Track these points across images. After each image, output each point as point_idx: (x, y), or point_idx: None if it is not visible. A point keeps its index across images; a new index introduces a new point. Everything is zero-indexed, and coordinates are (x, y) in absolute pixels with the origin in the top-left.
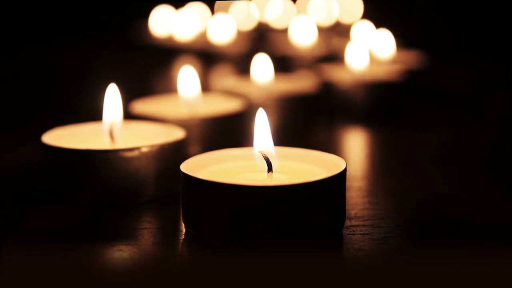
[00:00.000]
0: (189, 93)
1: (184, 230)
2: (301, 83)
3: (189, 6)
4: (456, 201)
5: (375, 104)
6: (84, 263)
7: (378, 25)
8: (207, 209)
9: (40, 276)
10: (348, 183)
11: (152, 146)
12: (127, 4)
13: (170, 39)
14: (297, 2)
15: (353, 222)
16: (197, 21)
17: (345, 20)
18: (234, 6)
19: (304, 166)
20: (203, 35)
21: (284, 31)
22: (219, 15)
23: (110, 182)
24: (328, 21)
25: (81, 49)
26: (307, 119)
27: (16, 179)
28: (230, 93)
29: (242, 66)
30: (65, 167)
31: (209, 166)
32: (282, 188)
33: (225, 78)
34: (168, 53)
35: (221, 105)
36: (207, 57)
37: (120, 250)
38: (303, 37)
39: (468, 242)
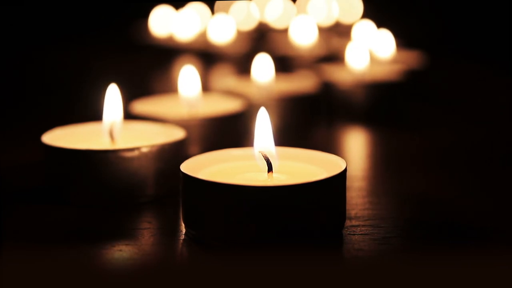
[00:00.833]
0: (189, 93)
1: (184, 230)
2: (301, 83)
3: (189, 6)
4: (456, 201)
5: (375, 104)
6: (84, 263)
7: (378, 25)
8: (207, 209)
9: (40, 276)
10: (348, 183)
11: (152, 146)
12: (127, 4)
13: (170, 39)
14: (297, 2)
15: (353, 222)
16: (197, 21)
17: (345, 20)
18: (234, 6)
19: (304, 166)
20: (203, 35)
21: (284, 31)
22: (219, 15)
23: (110, 182)
24: (328, 21)
25: (81, 49)
26: (307, 119)
27: (16, 179)
28: (230, 93)
29: (242, 66)
30: (65, 167)
31: (209, 166)
32: (282, 188)
33: (225, 78)
34: (168, 53)
35: (221, 105)
36: (207, 57)
37: (120, 250)
38: (303, 37)
39: (468, 242)
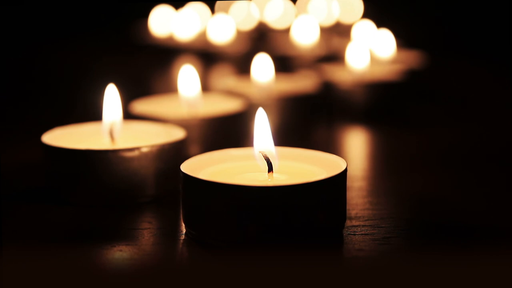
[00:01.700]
0: (189, 93)
1: (184, 230)
2: (301, 83)
3: (189, 6)
4: (457, 201)
5: (375, 104)
6: (84, 263)
7: (378, 25)
8: (207, 209)
9: (40, 276)
10: (348, 183)
11: (152, 146)
12: (127, 4)
13: (170, 39)
14: (297, 2)
15: (354, 223)
16: (197, 21)
17: (345, 20)
18: (234, 6)
19: (304, 166)
20: (203, 35)
21: (285, 31)
22: (219, 15)
23: (110, 182)
24: (328, 21)
25: (81, 49)
26: (307, 119)
27: (16, 179)
28: (230, 93)
29: (242, 66)
30: (65, 167)
31: (209, 166)
32: (282, 188)
33: (225, 78)
34: (168, 53)
35: (221, 105)
36: (207, 57)
37: (120, 250)
38: (303, 37)
39: (469, 242)
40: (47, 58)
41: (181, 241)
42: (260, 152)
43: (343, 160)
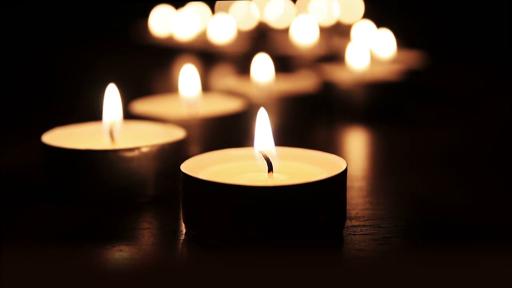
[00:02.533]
0: (189, 93)
1: (184, 230)
2: (301, 83)
3: (189, 6)
4: (457, 201)
5: (375, 104)
6: (84, 263)
7: (378, 25)
8: (207, 209)
9: (40, 276)
10: (348, 183)
11: (152, 146)
12: (127, 4)
13: (170, 39)
14: (297, 2)
15: (354, 223)
16: (197, 21)
17: (345, 20)
18: (235, 6)
19: (304, 166)
20: (203, 35)
21: (285, 31)
22: (219, 15)
23: (110, 182)
24: (328, 21)
25: (81, 49)
26: (307, 119)
27: (16, 179)
28: (230, 93)
29: (242, 66)
30: (65, 167)
31: (209, 166)
32: (282, 188)
33: (225, 78)
34: (168, 53)
35: (221, 105)
36: (207, 57)
37: (120, 250)
38: (303, 37)
39: (469, 242)
40: (47, 58)
41: (181, 241)
42: (260, 152)
43: (343, 160)
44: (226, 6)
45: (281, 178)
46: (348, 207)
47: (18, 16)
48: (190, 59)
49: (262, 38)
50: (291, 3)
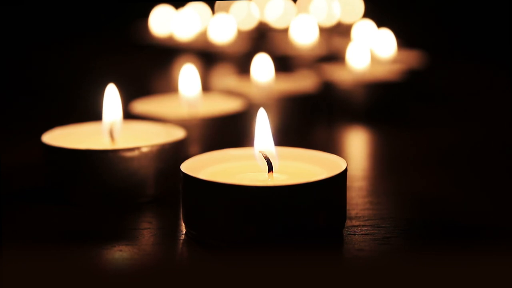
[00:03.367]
0: (189, 93)
1: (184, 230)
2: (301, 83)
3: (189, 6)
4: (457, 201)
5: (375, 104)
6: (84, 263)
7: (379, 24)
8: (207, 209)
9: (40, 276)
10: (348, 183)
11: (152, 146)
12: (127, 4)
13: (170, 39)
14: (297, 1)
15: (354, 222)
16: (197, 21)
17: (346, 20)
18: (235, 5)
19: (304, 166)
20: (203, 35)
21: (285, 31)
22: (219, 15)
23: (110, 182)
24: (329, 21)
25: (81, 49)
26: (307, 119)
27: (16, 179)
28: (230, 93)
29: (242, 66)
30: (65, 167)
31: (209, 166)
32: (282, 188)
33: (225, 78)
34: (168, 53)
35: (221, 105)
36: (207, 57)
37: (120, 250)
38: (303, 37)
39: (469, 242)
40: (47, 58)
41: (181, 241)
42: (260, 152)
43: (343, 160)
44: (226, 6)
45: (281, 178)
46: (348, 207)
47: (18, 16)
48: (190, 59)
49: (262, 38)
50: (291, 3)
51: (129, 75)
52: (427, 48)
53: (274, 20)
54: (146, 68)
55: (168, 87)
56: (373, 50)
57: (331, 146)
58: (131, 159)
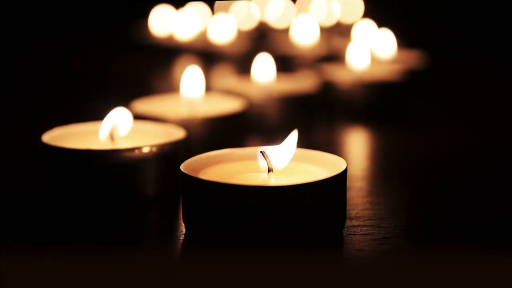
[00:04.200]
0: (190, 93)
1: (184, 230)
2: (301, 83)
3: (189, 6)
4: (457, 201)
5: (375, 104)
6: (84, 263)
7: (379, 24)
8: (207, 209)
9: (40, 277)
10: (348, 183)
11: (152, 146)
12: (127, 4)
13: (170, 39)
14: (297, 1)
15: (354, 222)
16: (197, 20)
17: (346, 20)
18: (235, 5)
19: (304, 166)
20: (203, 35)
21: (285, 31)
22: (219, 15)
23: (110, 182)
24: (329, 21)
25: (81, 49)
26: (307, 119)
27: (16, 179)
28: (230, 93)
29: (242, 66)
30: (65, 167)
31: (209, 166)
32: (282, 188)
33: (225, 78)
34: (168, 53)
35: (221, 105)
36: (207, 57)
37: (121, 250)
38: (304, 37)
39: (469, 242)
40: (47, 58)
41: (181, 241)
42: (261, 152)
43: (343, 160)
44: (226, 6)
45: (281, 178)
46: (348, 207)
47: (18, 16)
48: (190, 59)
49: (262, 38)
50: (291, 3)
51: (129, 75)
52: (427, 48)
53: (274, 20)
54: (146, 68)
55: (168, 87)
56: (373, 50)
57: (331, 146)
58: (131, 159)
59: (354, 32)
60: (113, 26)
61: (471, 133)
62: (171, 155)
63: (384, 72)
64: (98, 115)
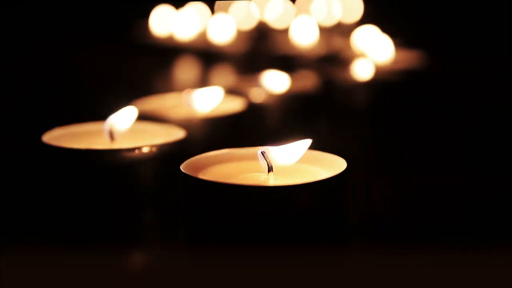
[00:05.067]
0: (190, 93)
1: (184, 230)
2: (302, 82)
3: (189, 6)
4: (457, 201)
5: (375, 104)
6: (84, 264)
7: (378, 25)
8: (207, 209)
9: (40, 277)
10: (348, 183)
11: (152, 146)
12: (127, 4)
13: (170, 39)
14: (296, 2)
15: (354, 223)
16: (197, 20)
17: (346, 20)
18: (235, 6)
19: (304, 166)
20: (203, 35)
21: (285, 31)
22: (219, 15)
23: (110, 182)
24: (329, 21)
25: (81, 49)
26: (307, 119)
27: (16, 179)
28: (230, 93)
29: (242, 66)
30: (65, 167)
31: (209, 166)
32: (282, 188)
33: (225, 78)
34: (169, 53)
35: (221, 105)
36: (207, 57)
37: (121, 250)
38: (304, 37)
39: (470, 242)
40: (47, 58)
41: (181, 241)
42: (261, 152)
43: (343, 160)
44: (226, 6)
45: (281, 178)
46: (348, 207)
47: (18, 16)
48: (190, 59)
49: (262, 38)
50: (291, 3)
51: (129, 75)
52: (427, 48)
53: (274, 20)
54: (147, 68)
55: (168, 87)
56: (373, 50)
57: (331, 146)
58: (131, 159)
59: (354, 33)
60: (113, 26)
61: (471, 133)
62: (171, 155)
63: (384, 72)
64: (98, 115)
